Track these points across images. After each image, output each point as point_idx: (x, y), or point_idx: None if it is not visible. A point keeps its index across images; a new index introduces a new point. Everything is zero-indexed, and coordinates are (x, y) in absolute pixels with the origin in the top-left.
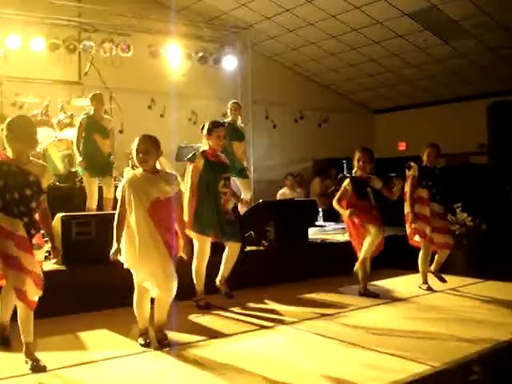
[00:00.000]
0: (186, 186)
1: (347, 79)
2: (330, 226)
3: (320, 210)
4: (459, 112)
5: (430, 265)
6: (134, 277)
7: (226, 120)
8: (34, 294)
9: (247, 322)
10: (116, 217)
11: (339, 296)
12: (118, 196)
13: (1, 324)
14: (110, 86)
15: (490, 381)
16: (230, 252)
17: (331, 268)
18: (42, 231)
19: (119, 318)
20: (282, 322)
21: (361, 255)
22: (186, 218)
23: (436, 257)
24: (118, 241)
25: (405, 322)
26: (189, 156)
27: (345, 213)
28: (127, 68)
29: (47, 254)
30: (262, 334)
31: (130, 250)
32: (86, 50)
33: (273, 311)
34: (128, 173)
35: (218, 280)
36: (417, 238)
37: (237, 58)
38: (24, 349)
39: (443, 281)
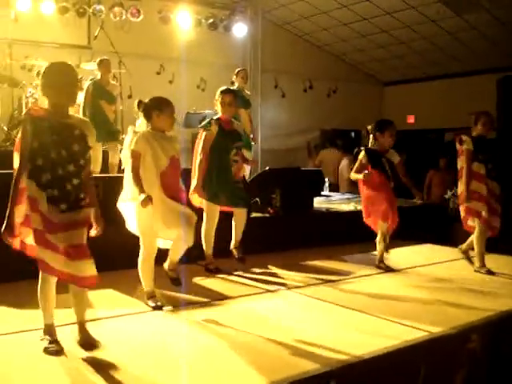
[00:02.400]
0: (197, 153)
1: (358, 50)
2: (336, 196)
3: (326, 180)
4: (469, 86)
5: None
6: (141, 237)
7: (232, 87)
8: (75, 270)
9: (251, 286)
10: (132, 171)
11: (343, 264)
12: (127, 152)
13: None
14: (119, 50)
15: (485, 349)
16: (238, 218)
17: (335, 236)
18: None
19: (125, 279)
20: (285, 286)
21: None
22: (195, 183)
23: (470, 238)
24: (143, 190)
25: (406, 290)
26: (203, 123)
27: (358, 177)
28: (137, 33)
29: None
30: (265, 297)
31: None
32: (96, 14)
33: (276, 276)
34: (134, 131)
35: (232, 245)
36: (470, 221)
37: (247, 26)
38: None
39: (472, 262)
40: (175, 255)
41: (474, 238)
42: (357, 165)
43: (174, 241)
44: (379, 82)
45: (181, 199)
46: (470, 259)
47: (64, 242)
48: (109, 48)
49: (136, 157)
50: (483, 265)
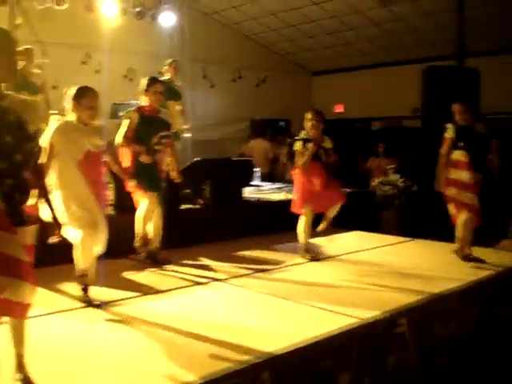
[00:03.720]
0: (118, 140)
1: (287, 39)
2: (267, 185)
3: (257, 169)
4: (395, 76)
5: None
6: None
7: (162, 78)
8: (22, 296)
9: (182, 279)
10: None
11: (274, 253)
12: (44, 144)
13: None
14: (43, 39)
15: (413, 333)
16: (156, 219)
17: (266, 226)
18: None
19: (49, 276)
20: (215, 278)
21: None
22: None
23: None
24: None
25: (337, 277)
26: (124, 112)
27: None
28: (61, 22)
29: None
30: (195, 289)
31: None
32: (19, 2)
33: (207, 268)
34: (56, 121)
35: (151, 249)
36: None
37: (175, 15)
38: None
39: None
40: (85, 260)
41: (459, 224)
42: (298, 155)
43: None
44: (308, 72)
45: (102, 197)
46: (475, 258)
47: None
48: (32, 37)
49: (49, 149)
50: (467, 250)
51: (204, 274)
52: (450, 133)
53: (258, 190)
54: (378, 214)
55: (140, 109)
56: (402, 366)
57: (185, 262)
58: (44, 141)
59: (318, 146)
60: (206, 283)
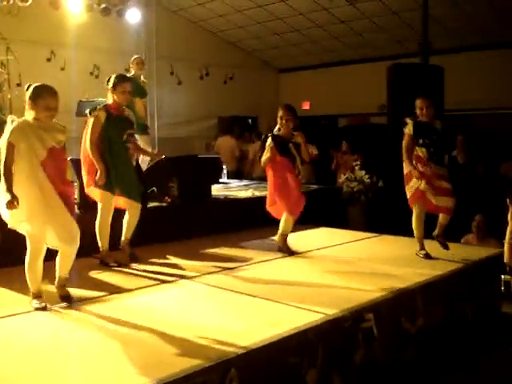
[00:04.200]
0: (84, 141)
1: (253, 37)
2: (234, 183)
3: (224, 167)
4: (362, 73)
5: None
6: (27, 235)
7: (128, 75)
8: None
9: (149, 278)
10: (3, 164)
11: (241, 250)
12: (3, 142)
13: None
14: (6, 36)
15: (380, 327)
16: (132, 212)
17: (234, 224)
18: None
19: (15, 276)
20: (183, 276)
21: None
22: (84, 172)
23: (438, 221)
24: (11, 190)
25: (304, 274)
26: (89, 109)
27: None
28: (25, 18)
29: None
30: (162, 288)
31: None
32: None
33: (175, 266)
34: (13, 120)
35: (121, 241)
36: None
37: (141, 11)
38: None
39: (446, 247)
40: (63, 270)
41: (412, 220)
42: (266, 151)
43: (59, 254)
44: (275, 69)
45: (71, 194)
46: (444, 244)
47: None
48: None
49: (8, 148)
50: (421, 248)
51: (171, 272)
52: (409, 128)
53: (226, 188)
54: (344, 210)
55: (106, 107)
56: (370, 361)
57: (152, 260)
58: (2, 141)
59: (288, 142)
60: (173, 281)
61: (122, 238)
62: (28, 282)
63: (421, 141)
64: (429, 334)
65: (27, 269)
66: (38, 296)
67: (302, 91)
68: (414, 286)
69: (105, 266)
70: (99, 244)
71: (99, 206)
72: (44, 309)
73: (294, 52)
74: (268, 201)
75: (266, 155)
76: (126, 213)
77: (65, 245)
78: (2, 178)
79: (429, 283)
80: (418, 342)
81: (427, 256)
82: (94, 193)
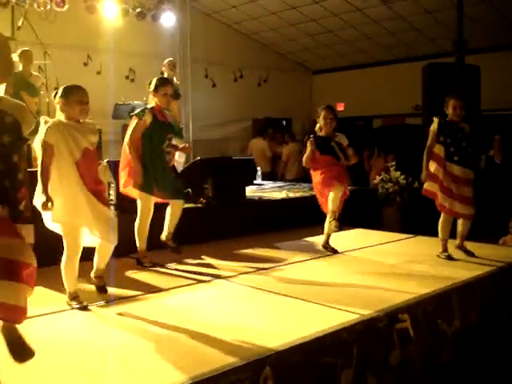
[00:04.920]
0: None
1: (287, 39)
2: (268, 184)
3: (258, 169)
4: (397, 73)
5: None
6: (63, 234)
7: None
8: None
9: (184, 277)
10: (40, 165)
11: (275, 251)
12: (38, 144)
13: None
14: (44, 41)
15: (417, 329)
16: (174, 209)
17: (268, 225)
18: None
19: (53, 275)
20: (218, 276)
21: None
22: (123, 173)
23: (458, 229)
24: (47, 191)
25: (338, 274)
26: (136, 111)
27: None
28: (62, 23)
29: None
30: (198, 287)
31: (56, 203)
32: (19, 4)
33: (209, 266)
34: (45, 121)
35: (164, 236)
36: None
37: (175, 15)
38: None
39: (472, 254)
40: (102, 261)
41: (439, 221)
42: (307, 152)
43: (99, 245)
44: (309, 71)
45: (103, 192)
46: (468, 251)
47: None
48: (33, 39)
49: (46, 149)
50: (444, 250)
51: (206, 272)
52: (434, 125)
53: (260, 189)
54: (379, 211)
55: (153, 110)
56: (406, 362)
57: (187, 260)
58: (38, 142)
59: (331, 141)
60: (208, 281)
61: (165, 231)
62: (64, 282)
63: (441, 138)
64: (465, 336)
65: (64, 268)
66: (75, 296)
67: (336, 92)
68: (450, 286)
69: (142, 267)
70: (137, 244)
71: (139, 207)
72: (83, 308)
73: (327, 53)
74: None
75: (305, 154)
76: (169, 209)
77: (105, 239)
78: (39, 178)
79: (465, 284)
80: (455, 344)
81: (450, 258)
82: (134, 193)
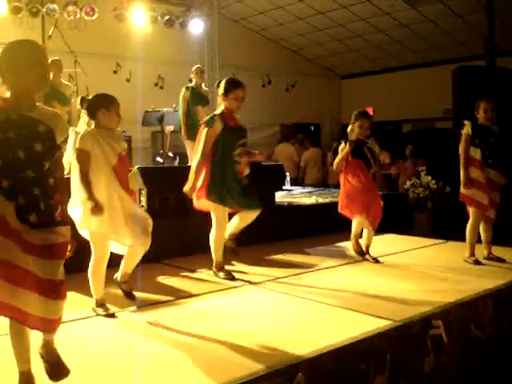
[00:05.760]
0: (196, 151)
1: (315, 44)
2: (297, 189)
3: (287, 174)
4: (426, 77)
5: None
6: (92, 240)
7: (190, 85)
8: (47, 312)
9: (215, 283)
10: (80, 171)
11: (306, 257)
12: (72, 153)
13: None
14: (74, 50)
15: (450, 335)
16: (248, 216)
17: (297, 230)
18: None
19: (83, 281)
20: (249, 281)
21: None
22: (191, 184)
23: (482, 236)
24: (93, 196)
25: (370, 280)
26: (206, 119)
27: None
28: (92, 32)
29: None
30: (229, 293)
31: (86, 210)
32: (50, 14)
33: (241, 271)
34: (75, 131)
35: (227, 235)
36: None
37: (203, 22)
38: None
39: (502, 261)
40: (129, 265)
41: (467, 226)
42: (342, 154)
43: (130, 248)
44: (337, 76)
45: (133, 199)
46: (498, 259)
47: (38, 271)
48: (64, 47)
49: (84, 156)
50: (471, 254)
51: (237, 277)
52: (467, 129)
53: (289, 194)
54: (410, 217)
55: (223, 115)
56: (439, 368)
57: None
58: (70, 152)
59: (363, 145)
60: (239, 286)
61: (229, 232)
62: (92, 288)
63: (477, 140)
64: (498, 342)
65: (91, 275)
66: (101, 304)
67: (365, 97)
68: (483, 292)
69: (223, 279)
70: (213, 257)
71: (214, 220)
72: (112, 315)
73: (355, 58)
74: (339, 205)
75: (338, 157)
76: (240, 215)
77: (138, 244)
78: (78, 186)
79: (498, 290)
80: (488, 350)
81: (477, 262)
82: (209, 205)
